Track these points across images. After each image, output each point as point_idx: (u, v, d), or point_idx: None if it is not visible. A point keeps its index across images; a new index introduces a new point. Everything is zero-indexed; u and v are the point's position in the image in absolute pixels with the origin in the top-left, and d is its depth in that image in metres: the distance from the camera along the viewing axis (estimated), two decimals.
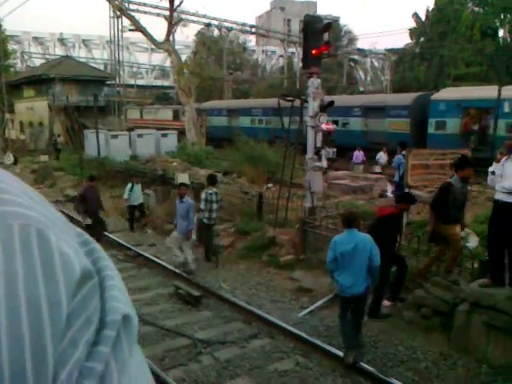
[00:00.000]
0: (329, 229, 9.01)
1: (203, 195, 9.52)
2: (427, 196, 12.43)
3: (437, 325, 6.22)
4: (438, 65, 40.12)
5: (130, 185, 12.83)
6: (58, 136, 29.93)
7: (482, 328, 5.62)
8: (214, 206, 9.42)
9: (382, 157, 18.57)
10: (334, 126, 11.34)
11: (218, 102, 37.74)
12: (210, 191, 9.45)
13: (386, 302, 6.95)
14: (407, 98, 24.03)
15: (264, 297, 7.80)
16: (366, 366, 5.36)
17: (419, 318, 6.37)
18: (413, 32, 44.19)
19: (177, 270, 8.72)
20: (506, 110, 19.55)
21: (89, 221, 10.70)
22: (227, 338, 6.34)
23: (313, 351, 5.86)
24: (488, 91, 20.66)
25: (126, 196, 12.76)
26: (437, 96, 22.55)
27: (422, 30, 42.95)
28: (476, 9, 40.08)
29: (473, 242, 7.78)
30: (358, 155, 19.43)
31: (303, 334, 6.16)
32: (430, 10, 42.60)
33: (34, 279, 0.32)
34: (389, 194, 13.59)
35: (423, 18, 43.45)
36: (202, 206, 9.39)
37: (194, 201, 9.44)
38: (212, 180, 9.77)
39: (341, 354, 5.57)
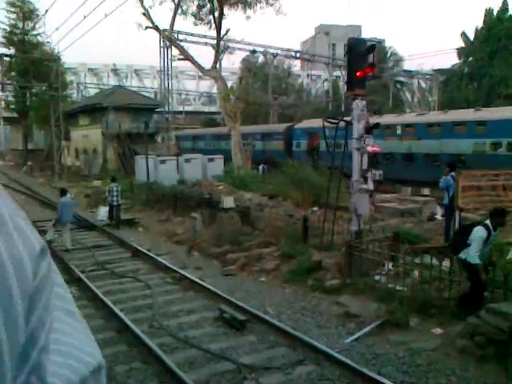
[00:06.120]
0: (375, 253, 8.82)
1: (107, 188, 16.33)
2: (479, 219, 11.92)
3: (492, 354, 5.89)
4: (488, 84, 39.05)
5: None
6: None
7: None
8: (115, 193, 15.70)
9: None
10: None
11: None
12: (112, 185, 16.04)
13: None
14: (282, 127, 35.85)
15: (310, 322, 7.67)
16: None
17: (473, 347, 6.06)
18: (461, 52, 43.35)
19: (223, 294, 8.74)
20: (327, 134, 27.29)
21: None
22: (272, 363, 6.25)
23: (360, 380, 5.67)
24: (320, 122, 28.35)
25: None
26: (296, 126, 33.98)
27: (471, 49, 42.05)
28: None
29: None
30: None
31: (350, 362, 5.97)
32: (479, 28, 41.72)
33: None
34: (438, 216, 13.18)
35: (471, 37, 42.59)
36: (107, 193, 16.07)
37: None
38: (113, 179, 16.84)
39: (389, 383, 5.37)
